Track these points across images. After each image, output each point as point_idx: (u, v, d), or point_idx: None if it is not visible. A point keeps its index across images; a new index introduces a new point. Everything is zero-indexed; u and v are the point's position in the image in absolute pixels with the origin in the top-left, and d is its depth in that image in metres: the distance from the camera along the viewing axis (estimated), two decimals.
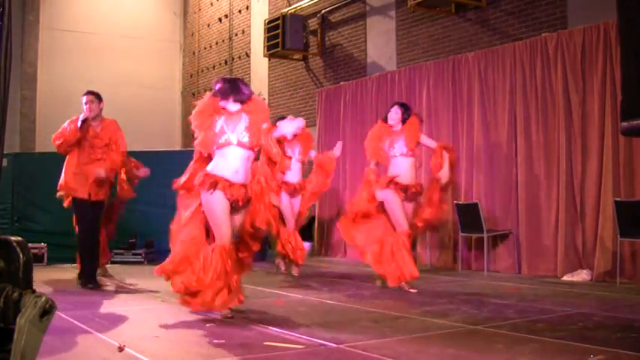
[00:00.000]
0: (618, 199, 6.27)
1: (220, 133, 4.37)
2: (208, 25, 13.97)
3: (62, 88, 12.99)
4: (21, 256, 1.98)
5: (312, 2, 10.71)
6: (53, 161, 9.21)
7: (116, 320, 4.42)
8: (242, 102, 4.48)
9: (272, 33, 10.84)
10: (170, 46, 14.76)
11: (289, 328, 3.93)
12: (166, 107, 14.48)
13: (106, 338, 3.70)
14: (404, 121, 6.00)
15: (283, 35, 10.59)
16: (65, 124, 6.21)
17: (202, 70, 14.07)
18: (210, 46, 13.85)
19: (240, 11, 12.93)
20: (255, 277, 7.31)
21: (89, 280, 6.07)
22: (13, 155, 9.73)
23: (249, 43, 12.53)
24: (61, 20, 13.37)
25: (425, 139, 6.16)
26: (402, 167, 5.93)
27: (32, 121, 12.95)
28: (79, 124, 6.10)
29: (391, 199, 5.87)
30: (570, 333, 3.79)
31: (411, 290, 5.74)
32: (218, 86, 4.51)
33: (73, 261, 8.49)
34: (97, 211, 6.19)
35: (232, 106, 4.46)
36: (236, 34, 13.01)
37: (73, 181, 6.12)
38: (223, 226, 4.29)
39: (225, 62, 13.24)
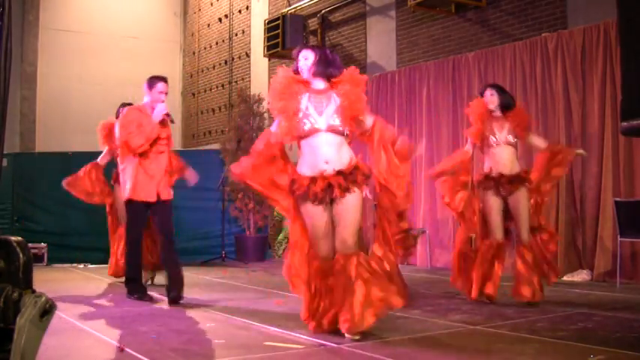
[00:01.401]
0: (618, 199, 6.27)
1: (304, 118, 3.64)
2: (208, 25, 13.96)
3: (62, 88, 12.99)
4: (21, 256, 1.98)
5: (312, 2, 10.71)
6: (53, 162, 9.26)
7: (116, 320, 4.42)
8: (330, 78, 3.75)
9: (272, 33, 10.84)
10: (170, 46, 14.76)
11: (289, 328, 3.92)
12: None
13: (106, 338, 3.70)
14: (504, 106, 5.19)
15: (283, 35, 10.58)
16: (130, 120, 5.23)
17: (202, 70, 14.06)
18: (210, 46, 13.85)
19: (240, 11, 12.93)
20: (255, 277, 7.32)
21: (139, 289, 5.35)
22: (13, 155, 9.74)
23: (249, 43, 12.52)
24: (61, 20, 13.36)
25: (535, 139, 5.38)
26: (504, 157, 5.13)
27: (32, 121, 12.93)
28: (159, 117, 5.20)
29: (486, 201, 5.12)
30: (570, 333, 3.79)
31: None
32: (303, 54, 3.75)
33: (73, 261, 8.56)
34: (166, 212, 5.26)
35: (318, 83, 3.75)
36: (236, 34, 13.01)
37: (138, 185, 5.16)
38: (319, 242, 3.68)
39: (225, 62, 13.24)
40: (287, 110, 3.63)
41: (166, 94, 5.34)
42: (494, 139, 5.13)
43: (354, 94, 3.67)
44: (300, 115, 3.63)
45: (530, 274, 4.94)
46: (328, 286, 3.66)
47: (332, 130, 3.61)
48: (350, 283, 3.52)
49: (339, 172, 3.60)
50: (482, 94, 5.29)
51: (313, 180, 3.60)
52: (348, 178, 3.59)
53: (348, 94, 3.66)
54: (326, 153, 3.61)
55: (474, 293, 5.03)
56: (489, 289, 5.00)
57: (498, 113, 5.19)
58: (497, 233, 5.07)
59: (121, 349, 3.35)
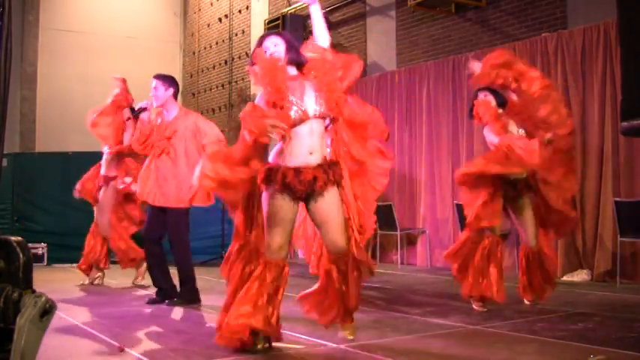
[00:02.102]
0: (618, 199, 6.27)
1: (290, 106, 3.37)
2: (208, 25, 13.97)
3: (62, 88, 12.99)
4: (21, 256, 1.98)
5: None
6: (53, 162, 9.27)
7: (116, 320, 4.42)
8: (299, 65, 3.52)
9: None
10: (170, 46, 14.76)
11: (289, 328, 3.91)
12: None
13: (106, 338, 3.70)
14: (502, 104, 4.96)
15: None
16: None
17: (202, 70, 14.07)
18: (210, 46, 13.85)
19: (240, 11, 12.93)
20: None
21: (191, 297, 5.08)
22: (13, 155, 9.75)
23: (249, 43, 12.51)
24: (61, 20, 13.36)
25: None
26: None
27: (32, 122, 12.94)
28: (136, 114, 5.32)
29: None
30: (570, 333, 3.79)
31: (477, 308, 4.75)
32: (272, 40, 3.53)
33: (73, 261, 8.55)
34: (173, 220, 5.08)
35: (291, 69, 3.51)
36: (236, 34, 13.01)
37: (141, 182, 5.16)
38: (274, 236, 3.35)
39: (225, 62, 13.24)
40: (282, 96, 3.35)
41: (155, 88, 5.16)
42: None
43: (329, 76, 3.47)
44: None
45: (532, 276, 4.85)
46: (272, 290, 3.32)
47: (319, 116, 3.41)
48: (346, 286, 3.43)
49: (320, 165, 3.38)
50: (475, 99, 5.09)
51: (297, 171, 3.33)
52: (329, 172, 3.39)
53: (322, 77, 3.46)
54: (311, 143, 3.38)
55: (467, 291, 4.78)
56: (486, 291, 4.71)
57: (500, 110, 4.95)
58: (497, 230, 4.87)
59: (121, 349, 3.35)
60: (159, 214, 5.12)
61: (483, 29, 8.11)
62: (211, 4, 13.87)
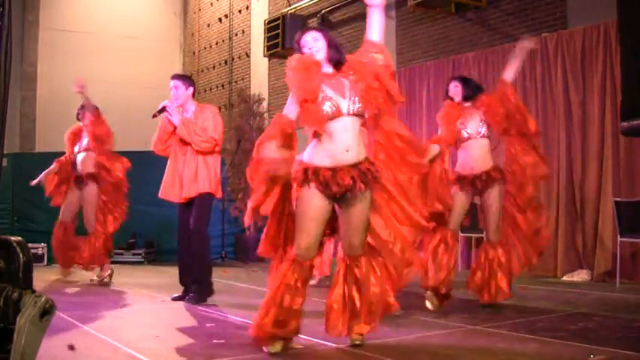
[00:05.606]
0: (618, 199, 6.27)
1: (325, 100, 3.31)
2: (208, 25, 13.96)
3: (62, 88, 12.93)
4: (21, 256, 1.98)
5: (312, 2, 10.71)
6: (53, 162, 9.24)
7: (116, 320, 4.42)
8: (338, 63, 3.44)
9: (272, 33, 10.84)
10: (170, 46, 14.76)
11: None
12: None
13: (106, 338, 3.69)
14: (467, 97, 4.95)
15: (283, 35, 10.58)
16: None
17: (202, 70, 14.06)
18: (210, 46, 13.85)
19: (240, 11, 12.93)
20: (255, 277, 7.32)
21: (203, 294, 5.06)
22: (13, 155, 9.75)
23: (249, 43, 12.52)
24: (61, 20, 13.36)
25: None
26: (474, 152, 4.90)
27: (32, 122, 12.94)
28: (158, 113, 5.30)
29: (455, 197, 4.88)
30: (570, 333, 3.79)
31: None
32: (312, 35, 3.45)
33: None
34: (195, 208, 5.11)
35: (327, 67, 3.43)
36: (236, 34, 13.01)
37: (166, 184, 5.19)
38: (304, 234, 3.29)
39: (225, 62, 13.24)
40: (313, 92, 3.28)
41: (175, 88, 5.21)
42: (465, 134, 4.90)
43: (368, 76, 3.38)
44: (319, 98, 3.32)
45: (490, 275, 4.80)
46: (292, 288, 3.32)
47: (354, 114, 3.34)
48: (359, 286, 3.40)
49: (355, 165, 3.31)
50: (447, 90, 5.08)
51: (334, 171, 3.28)
52: (367, 174, 3.32)
53: (363, 76, 3.38)
54: (346, 139, 3.30)
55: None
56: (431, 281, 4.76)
57: (467, 104, 4.95)
58: (452, 224, 4.88)
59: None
60: (185, 211, 5.16)
61: (483, 29, 8.11)
62: (211, 4, 13.87)
